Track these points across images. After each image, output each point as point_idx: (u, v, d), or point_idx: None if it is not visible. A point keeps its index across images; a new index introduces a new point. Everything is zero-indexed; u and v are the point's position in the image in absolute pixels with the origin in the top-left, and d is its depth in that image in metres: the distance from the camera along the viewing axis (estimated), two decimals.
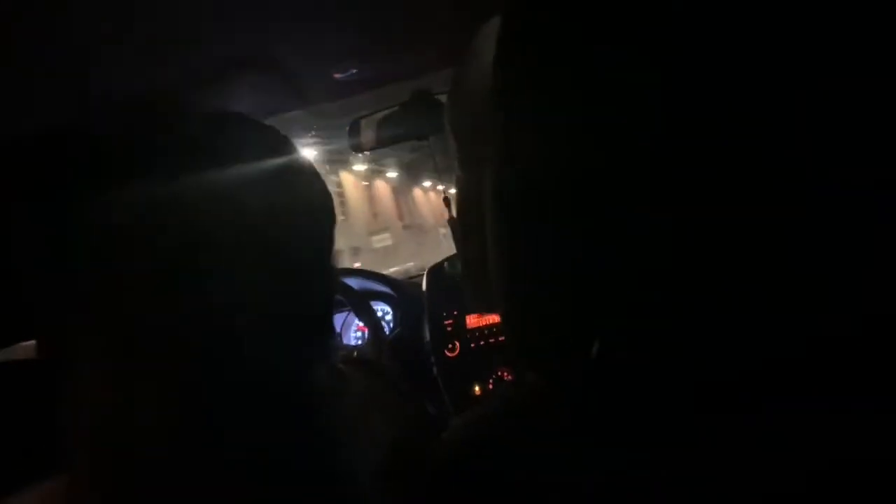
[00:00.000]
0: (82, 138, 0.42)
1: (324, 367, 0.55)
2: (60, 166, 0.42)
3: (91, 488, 0.39)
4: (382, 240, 10.06)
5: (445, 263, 1.50)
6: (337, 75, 0.79)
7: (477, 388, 1.39)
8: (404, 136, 1.16)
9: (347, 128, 1.25)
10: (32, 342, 0.45)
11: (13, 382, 0.48)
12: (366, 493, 0.50)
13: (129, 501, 0.38)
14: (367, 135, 1.23)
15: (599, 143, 0.27)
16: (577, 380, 0.31)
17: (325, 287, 0.55)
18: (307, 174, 0.53)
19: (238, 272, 0.44)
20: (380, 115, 1.18)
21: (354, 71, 0.80)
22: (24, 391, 0.46)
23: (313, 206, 0.53)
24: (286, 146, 0.53)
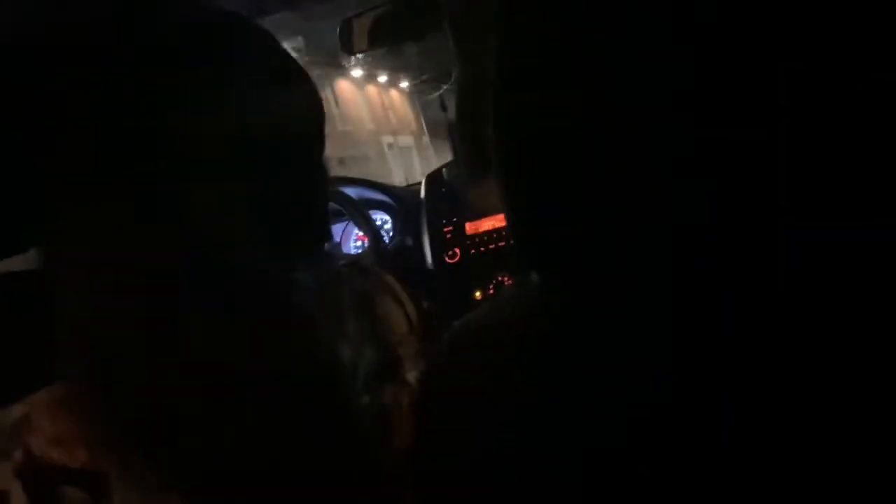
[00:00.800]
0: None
1: (321, 270, 0.55)
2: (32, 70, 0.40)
3: (82, 393, 0.39)
4: None
5: (444, 170, 1.48)
6: None
7: (478, 294, 1.41)
8: (399, 36, 1.11)
9: (338, 29, 1.19)
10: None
11: (13, 292, 0.48)
12: (360, 391, 0.51)
13: (115, 403, 0.39)
14: (359, 35, 1.18)
15: (607, 29, 0.25)
16: (576, 281, 0.30)
17: (318, 191, 0.54)
18: (297, 76, 0.51)
19: (224, 176, 0.43)
20: (372, 14, 1.13)
21: None
22: (23, 300, 0.46)
23: (303, 109, 0.52)
24: (276, 48, 0.50)
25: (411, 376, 0.56)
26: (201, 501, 0.39)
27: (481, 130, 0.35)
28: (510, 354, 0.34)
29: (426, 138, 13.43)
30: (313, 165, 0.53)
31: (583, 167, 0.27)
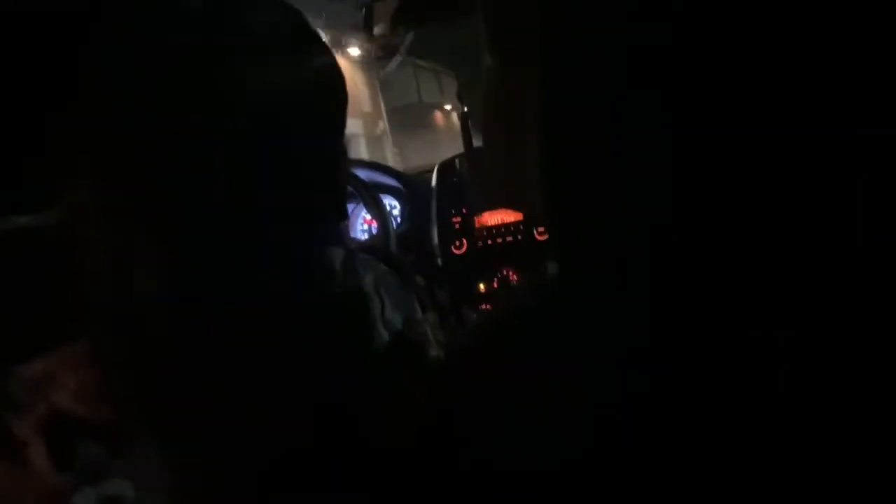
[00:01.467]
0: None
1: (337, 249, 0.55)
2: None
3: (106, 349, 0.39)
4: None
5: (456, 160, 1.48)
6: None
7: (482, 286, 1.41)
8: (426, 18, 1.10)
9: (362, 10, 1.19)
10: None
11: (23, 249, 0.47)
12: (371, 368, 0.51)
13: (138, 359, 0.39)
14: (382, 19, 1.17)
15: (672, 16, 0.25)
16: (603, 277, 0.31)
17: (340, 168, 0.54)
18: (320, 53, 0.51)
19: (245, 151, 0.42)
20: None
21: None
22: (33, 258, 0.45)
23: (326, 87, 0.51)
24: (299, 23, 0.50)
25: (424, 360, 0.55)
26: (222, 460, 0.39)
27: (514, 128, 0.35)
28: (532, 339, 0.34)
29: (383, 124, 10.63)
30: (335, 143, 0.53)
31: (631, 172, 0.27)
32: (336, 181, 0.54)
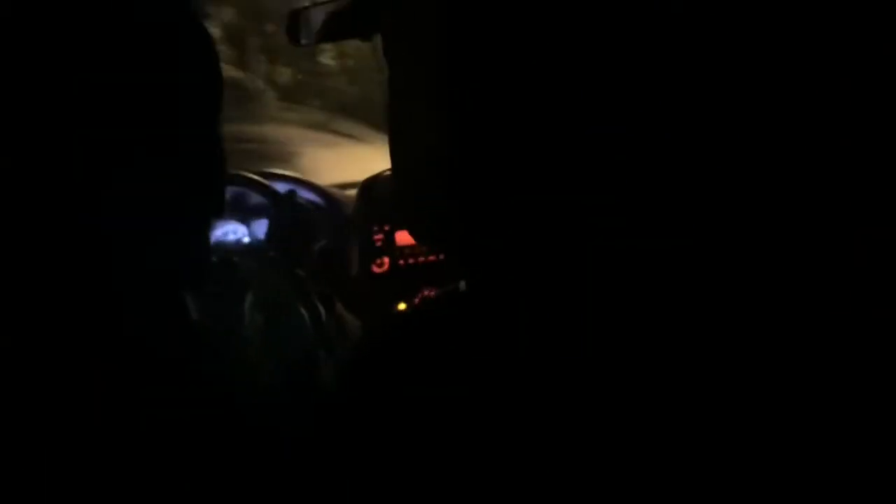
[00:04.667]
0: None
1: (214, 255, 0.52)
2: None
3: None
4: None
5: (379, 177, 1.46)
6: None
7: (402, 305, 1.38)
8: (353, 32, 1.07)
9: (287, 18, 1.15)
10: None
11: None
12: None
13: None
14: (307, 28, 1.14)
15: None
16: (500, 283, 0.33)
17: (216, 159, 0.49)
18: (196, 29, 0.47)
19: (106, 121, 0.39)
20: (322, 8, 1.09)
21: None
22: None
23: (202, 70, 0.47)
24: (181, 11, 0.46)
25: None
26: None
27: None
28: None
29: None
30: (212, 134, 0.49)
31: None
32: (213, 172, 0.50)
